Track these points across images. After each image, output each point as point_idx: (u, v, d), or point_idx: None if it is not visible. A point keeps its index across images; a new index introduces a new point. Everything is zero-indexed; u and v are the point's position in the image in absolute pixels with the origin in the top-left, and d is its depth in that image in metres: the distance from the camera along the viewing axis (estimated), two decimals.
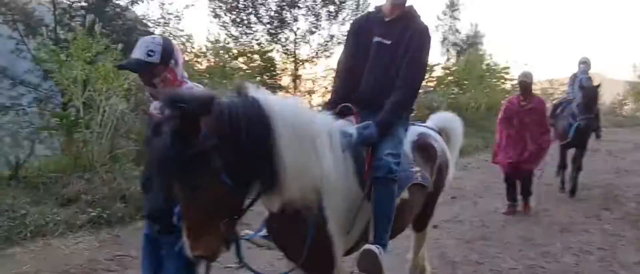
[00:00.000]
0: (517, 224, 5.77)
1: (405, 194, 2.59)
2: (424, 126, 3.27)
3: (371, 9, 2.98)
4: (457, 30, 22.80)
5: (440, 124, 3.49)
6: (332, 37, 14.20)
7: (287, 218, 2.15)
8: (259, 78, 11.12)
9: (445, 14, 21.98)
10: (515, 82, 17.31)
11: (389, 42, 2.61)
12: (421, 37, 2.61)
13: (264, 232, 2.45)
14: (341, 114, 2.57)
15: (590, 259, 4.65)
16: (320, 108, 2.40)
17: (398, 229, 2.72)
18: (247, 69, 11.73)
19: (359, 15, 8.09)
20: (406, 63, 2.56)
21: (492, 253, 4.75)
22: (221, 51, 11.69)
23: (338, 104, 2.62)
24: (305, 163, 1.99)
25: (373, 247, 2.31)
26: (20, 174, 5.64)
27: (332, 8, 14.06)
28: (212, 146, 1.72)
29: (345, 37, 2.91)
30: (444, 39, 22.25)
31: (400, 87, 2.55)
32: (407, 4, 2.69)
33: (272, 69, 12.55)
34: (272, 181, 1.91)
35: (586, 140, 7.17)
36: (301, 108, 2.15)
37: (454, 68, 16.77)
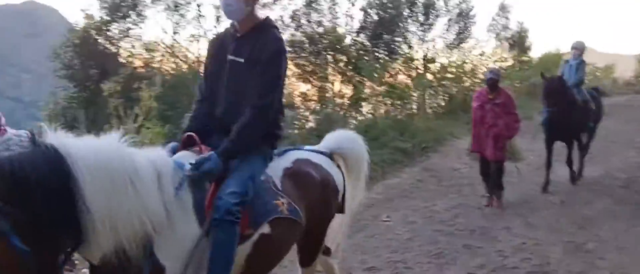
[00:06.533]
0: None
1: (265, 229, 2.35)
2: (310, 150, 2.90)
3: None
4: (507, 27, 26.82)
5: (332, 146, 3.00)
6: None
7: (115, 268, 1.90)
8: None
9: (498, 15, 26.01)
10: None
11: (241, 60, 2.35)
12: (272, 51, 2.32)
13: None
14: (185, 144, 2.37)
15: None
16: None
17: (266, 267, 2.52)
18: None
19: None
20: (257, 82, 2.30)
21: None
22: None
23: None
24: (119, 206, 1.81)
25: None
26: None
27: None
28: None
29: (206, 56, 2.63)
30: (497, 34, 26.38)
31: (249, 109, 2.29)
32: (260, 16, 2.42)
33: None
34: (80, 233, 1.74)
35: (570, 136, 6.67)
36: (111, 147, 1.92)
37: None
